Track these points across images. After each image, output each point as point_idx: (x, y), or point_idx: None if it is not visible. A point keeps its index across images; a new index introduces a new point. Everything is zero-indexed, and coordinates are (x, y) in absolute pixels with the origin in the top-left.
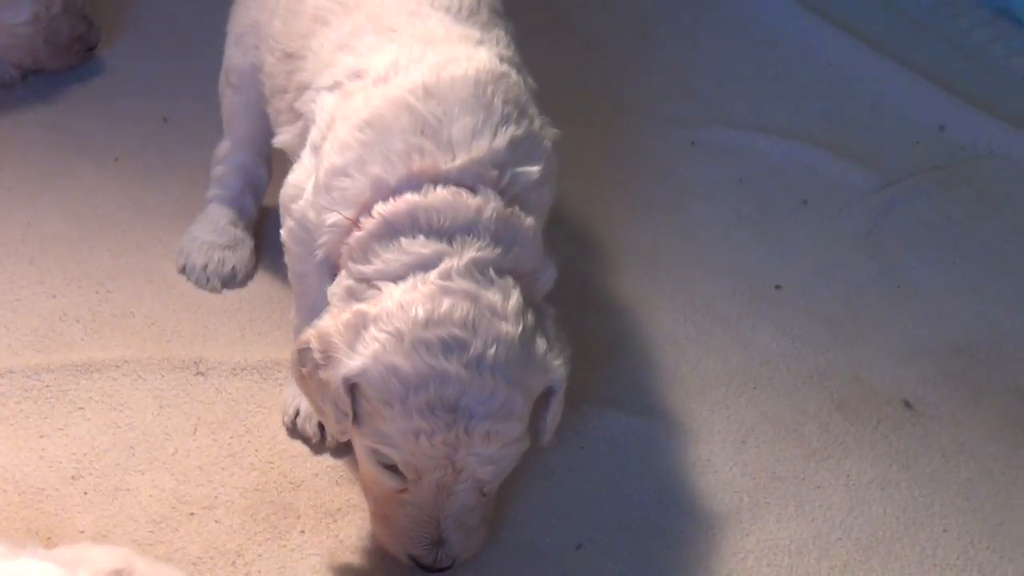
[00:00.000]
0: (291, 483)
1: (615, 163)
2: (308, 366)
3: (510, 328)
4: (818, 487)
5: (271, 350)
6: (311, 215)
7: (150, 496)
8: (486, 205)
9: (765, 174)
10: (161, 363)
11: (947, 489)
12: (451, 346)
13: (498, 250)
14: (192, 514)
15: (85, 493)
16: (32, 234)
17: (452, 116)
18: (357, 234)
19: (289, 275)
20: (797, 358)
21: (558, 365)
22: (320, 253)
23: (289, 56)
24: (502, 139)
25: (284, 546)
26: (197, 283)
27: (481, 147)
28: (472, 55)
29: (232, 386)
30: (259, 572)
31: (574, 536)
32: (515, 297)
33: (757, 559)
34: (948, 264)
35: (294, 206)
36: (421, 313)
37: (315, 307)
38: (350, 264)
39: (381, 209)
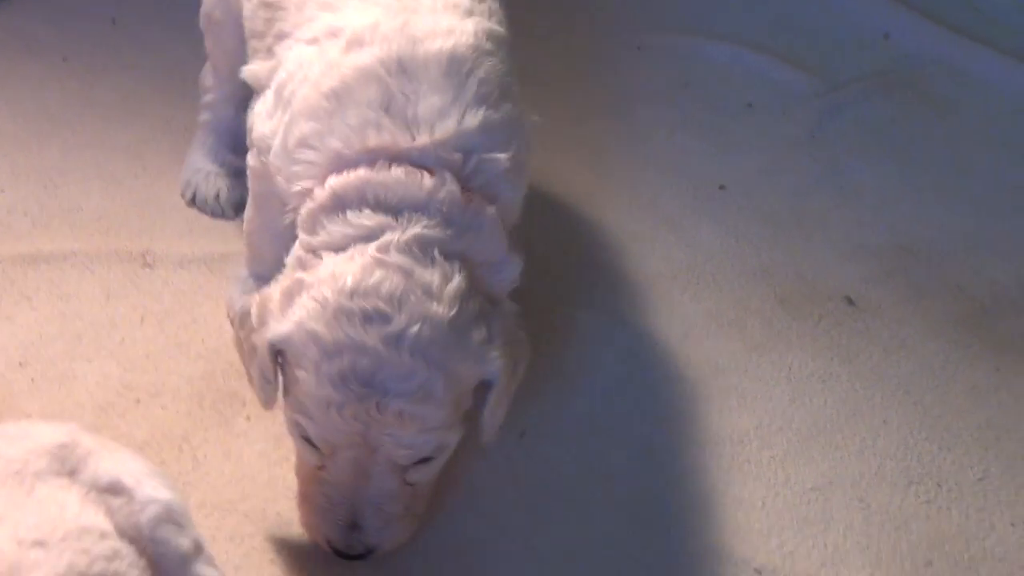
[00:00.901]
0: (238, 371)
1: (561, 69)
2: (245, 329)
3: (441, 309)
4: (760, 380)
5: (218, 244)
6: (280, 182)
7: (97, 383)
8: (440, 186)
9: (710, 78)
10: (109, 255)
11: (887, 383)
12: (372, 318)
13: (448, 232)
14: (138, 401)
15: (32, 380)
16: None
17: (420, 93)
18: (309, 206)
19: (249, 205)
20: (740, 256)
21: (495, 357)
22: (289, 217)
23: (267, 5)
24: (472, 121)
25: (230, 432)
26: (212, 214)
27: (446, 128)
28: (456, 28)
29: (179, 278)
30: (205, 456)
31: (517, 424)
32: (456, 281)
33: (697, 448)
34: (891, 167)
35: (262, 159)
36: (349, 283)
37: (274, 220)
38: (301, 235)
39: (332, 183)
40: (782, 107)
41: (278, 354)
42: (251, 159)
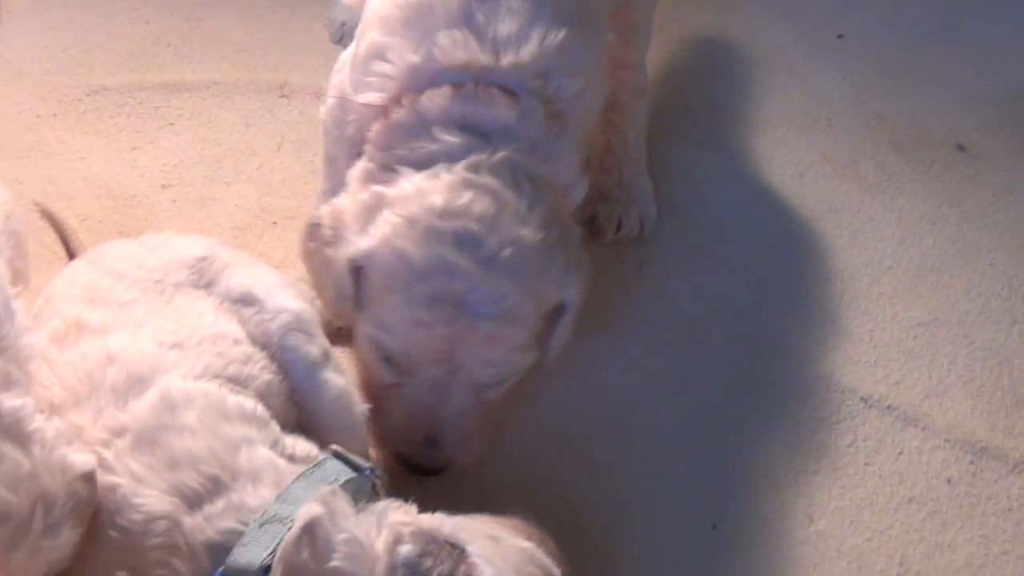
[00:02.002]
0: None
1: None
2: (316, 241)
3: (530, 233)
4: (871, 220)
5: None
6: (348, 91)
7: (235, 205)
8: (527, 110)
9: None
10: (248, 86)
11: (995, 226)
12: (465, 239)
13: (533, 156)
14: (275, 223)
15: (174, 200)
16: None
17: (500, 13)
18: (384, 121)
19: (323, 157)
20: (856, 102)
21: (573, 282)
22: (350, 130)
23: None
24: (549, 45)
25: None
26: (335, 40)
27: (527, 51)
28: None
29: (315, 109)
30: None
31: (636, 255)
32: (542, 206)
33: (810, 282)
34: (1006, 21)
35: (335, 79)
36: (439, 201)
37: (341, 189)
38: (373, 149)
39: (415, 99)
40: None
41: (357, 270)
42: (323, 111)
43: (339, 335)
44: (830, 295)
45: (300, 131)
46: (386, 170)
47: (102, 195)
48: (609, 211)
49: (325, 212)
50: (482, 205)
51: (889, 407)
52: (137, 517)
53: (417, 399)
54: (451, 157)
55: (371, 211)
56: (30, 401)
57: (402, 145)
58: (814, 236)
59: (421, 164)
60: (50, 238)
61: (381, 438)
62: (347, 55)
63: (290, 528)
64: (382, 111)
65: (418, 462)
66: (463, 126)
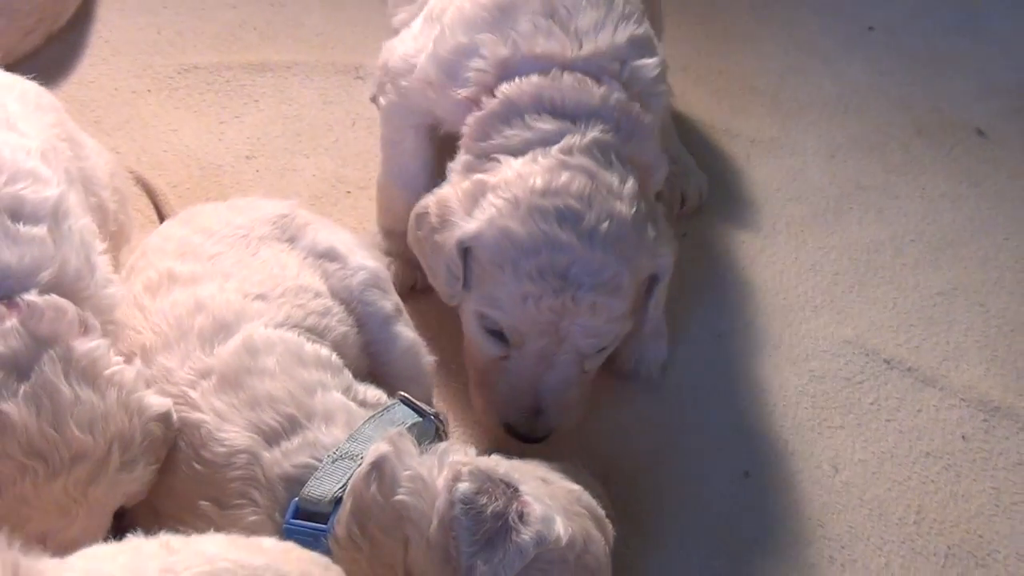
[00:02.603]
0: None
1: None
2: (424, 229)
3: (624, 208)
4: (896, 197)
5: None
6: (430, 95)
7: (313, 176)
8: (610, 94)
9: None
10: (326, 66)
11: (1010, 205)
12: (566, 216)
13: (619, 136)
14: (348, 192)
15: (257, 171)
16: None
17: (579, 7)
18: (477, 113)
19: (381, 139)
20: (884, 89)
21: (666, 252)
22: (417, 119)
23: None
24: (623, 35)
25: None
26: None
27: (605, 39)
28: None
29: None
30: None
31: (680, 227)
32: (631, 182)
33: (839, 253)
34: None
35: (403, 82)
36: (539, 182)
37: (404, 170)
38: (470, 141)
39: (505, 89)
40: None
41: (465, 251)
42: (384, 98)
43: (411, 292)
44: (856, 264)
45: (373, 109)
46: (484, 159)
47: (191, 165)
48: (671, 187)
49: (431, 201)
50: (579, 183)
51: (910, 369)
52: (220, 451)
53: (524, 371)
54: (545, 142)
55: (475, 197)
56: (104, 344)
57: (497, 134)
58: (843, 211)
59: (517, 151)
60: (143, 203)
61: (487, 410)
62: (407, 51)
63: (360, 464)
64: (474, 103)
65: (524, 431)
66: (552, 111)
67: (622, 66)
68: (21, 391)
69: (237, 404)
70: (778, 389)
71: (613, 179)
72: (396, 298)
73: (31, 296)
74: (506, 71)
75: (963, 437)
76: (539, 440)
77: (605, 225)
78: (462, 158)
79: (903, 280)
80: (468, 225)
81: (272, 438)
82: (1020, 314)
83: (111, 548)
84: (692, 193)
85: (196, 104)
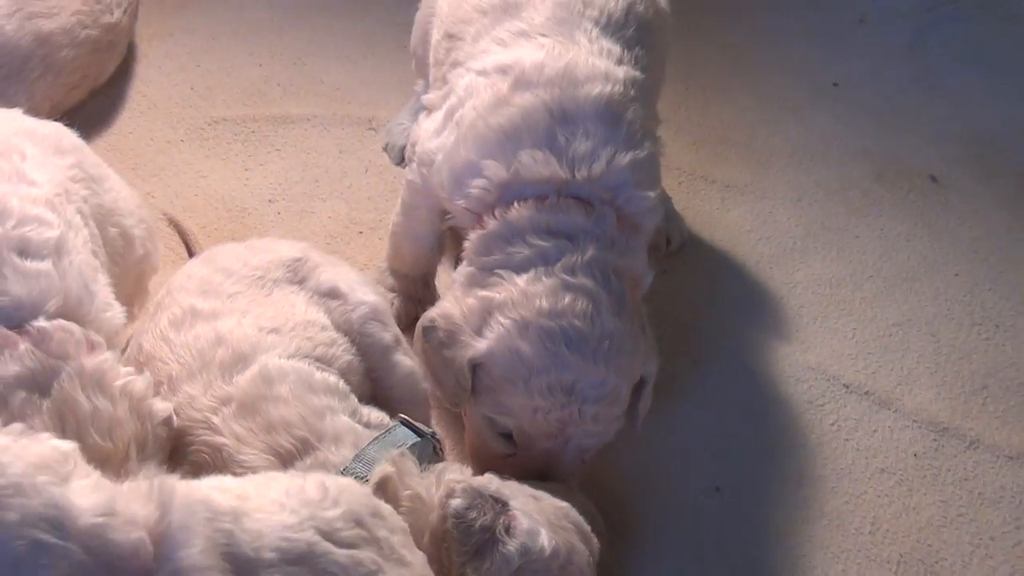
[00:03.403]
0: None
1: None
2: (432, 343)
3: (622, 326)
4: (856, 237)
5: None
6: (441, 194)
7: (329, 218)
8: (601, 217)
9: None
10: (342, 119)
11: (960, 244)
12: (572, 337)
13: (613, 251)
14: (361, 232)
15: (278, 213)
16: (244, 18)
17: (578, 135)
18: (480, 232)
19: (401, 201)
20: (846, 139)
21: (654, 360)
22: (439, 204)
23: (450, 36)
24: (622, 161)
25: None
26: (396, 162)
27: (598, 168)
28: (611, 74)
29: None
30: None
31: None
32: (629, 298)
33: (804, 288)
34: (975, 73)
35: (424, 171)
36: (545, 304)
37: (415, 232)
38: (472, 256)
39: (504, 213)
40: (888, 21)
41: (475, 367)
42: (410, 174)
43: (414, 324)
44: (820, 298)
45: (384, 157)
46: (487, 274)
47: (219, 207)
48: (657, 231)
49: (436, 315)
50: (581, 305)
51: (867, 392)
52: (240, 472)
53: (530, 466)
54: (545, 260)
55: (482, 315)
56: (111, 356)
57: (499, 251)
58: (808, 250)
59: (520, 267)
60: (175, 242)
61: None
62: (429, 146)
63: (366, 483)
64: (477, 217)
65: None
66: (549, 232)
67: (617, 192)
68: (45, 407)
69: (255, 428)
70: (747, 411)
71: (612, 298)
72: (396, 330)
73: (39, 323)
74: (505, 192)
75: (915, 455)
76: None
77: (606, 344)
78: (465, 269)
79: (862, 312)
80: (479, 344)
81: (287, 459)
82: (968, 343)
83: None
84: (675, 236)
85: (224, 153)
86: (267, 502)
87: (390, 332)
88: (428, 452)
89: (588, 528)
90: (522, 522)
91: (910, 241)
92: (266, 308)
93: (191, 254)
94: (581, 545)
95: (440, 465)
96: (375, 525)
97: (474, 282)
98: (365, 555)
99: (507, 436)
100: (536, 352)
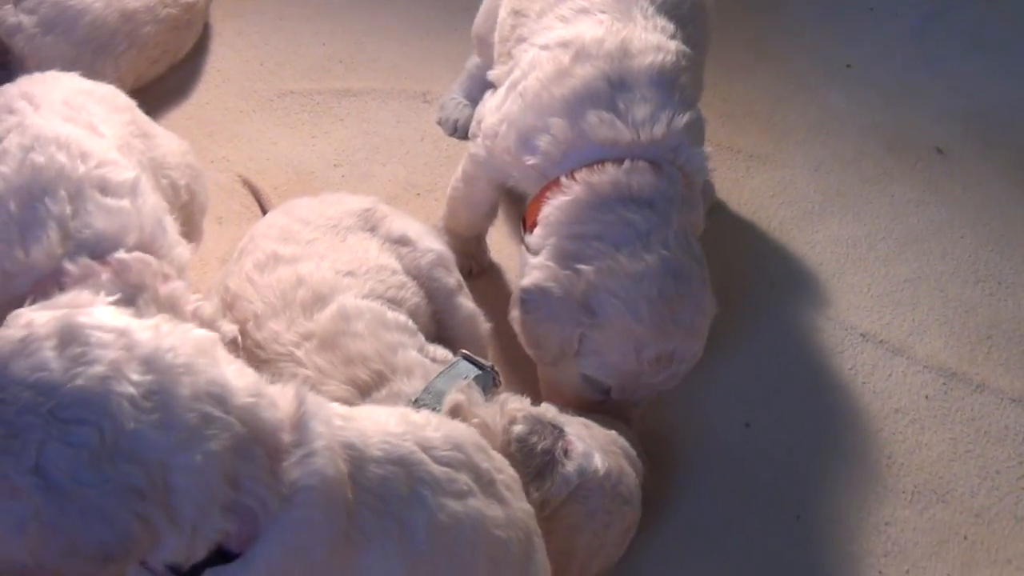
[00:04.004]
0: None
1: None
2: (531, 312)
3: (709, 297)
4: (869, 203)
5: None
6: (507, 158)
7: (389, 180)
8: (673, 180)
9: None
10: (399, 92)
11: (964, 210)
12: (675, 313)
13: (686, 209)
14: (418, 194)
15: (343, 176)
16: (309, 1)
17: (637, 100)
18: (563, 198)
19: (462, 171)
20: (859, 115)
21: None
22: (499, 177)
23: (516, 13)
24: (679, 122)
25: None
26: (450, 133)
27: (660, 129)
28: (663, 46)
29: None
30: None
31: None
32: (705, 266)
33: (822, 248)
34: (978, 55)
35: (489, 143)
36: (652, 284)
37: (473, 200)
38: (559, 224)
39: (587, 177)
40: (896, 9)
41: (582, 336)
42: (475, 148)
43: (468, 277)
44: (837, 257)
45: (438, 128)
46: (582, 244)
47: (288, 171)
48: None
49: (534, 286)
50: (682, 282)
51: (881, 341)
52: None
53: (617, 409)
54: (638, 233)
55: (586, 289)
56: (182, 285)
57: (590, 221)
58: (825, 214)
59: (616, 241)
60: (249, 200)
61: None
62: (493, 120)
63: (436, 412)
64: (542, 177)
65: None
66: (632, 199)
67: (676, 151)
68: None
69: (335, 361)
70: (773, 356)
71: (701, 270)
72: (458, 276)
73: (120, 255)
74: (571, 151)
75: (926, 397)
76: None
77: (699, 317)
78: (556, 242)
79: (876, 270)
80: (588, 320)
81: (364, 390)
82: (973, 298)
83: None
84: (705, 199)
85: (292, 122)
86: (374, 417)
87: (454, 277)
88: (488, 384)
89: (634, 453)
90: (577, 446)
91: (919, 207)
92: (342, 253)
93: (264, 212)
94: (629, 468)
95: (502, 395)
96: (478, 456)
97: (568, 254)
98: (461, 477)
99: (601, 388)
100: (646, 327)
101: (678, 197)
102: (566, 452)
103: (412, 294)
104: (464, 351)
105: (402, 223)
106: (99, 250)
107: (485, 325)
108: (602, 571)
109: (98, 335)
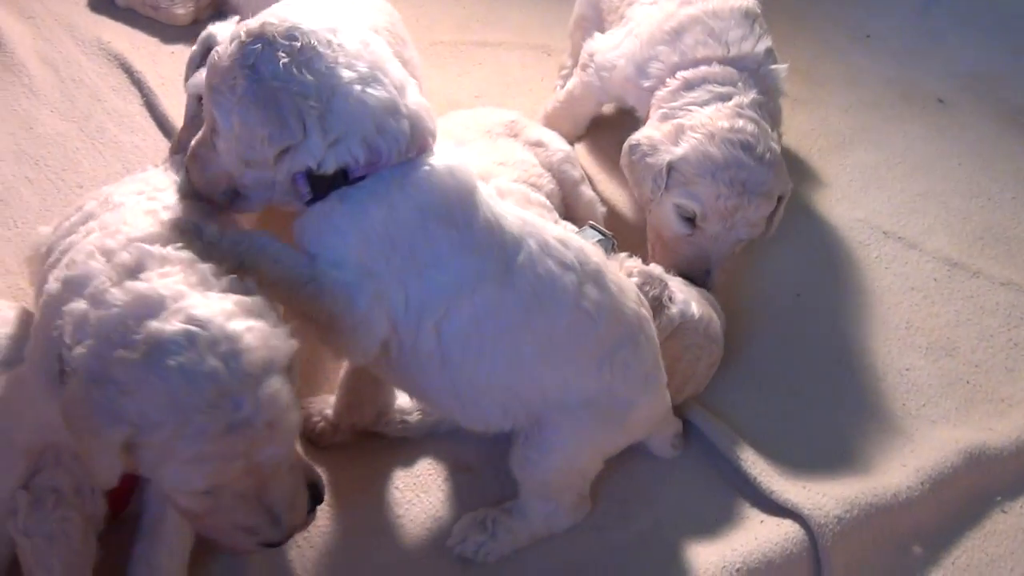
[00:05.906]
0: None
1: None
2: (636, 156)
3: (776, 146)
4: (888, 136)
5: None
6: (627, 86)
7: (516, 109)
8: (755, 80)
9: None
10: (524, 45)
11: (961, 144)
12: (747, 146)
13: (764, 98)
14: (537, 119)
15: (483, 104)
16: None
17: (728, 27)
18: (665, 89)
19: (568, 93)
20: (878, 72)
21: (788, 180)
22: (604, 99)
23: None
24: (761, 46)
25: None
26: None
27: (748, 47)
28: None
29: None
30: None
31: None
32: (777, 131)
33: (852, 168)
34: (975, 27)
35: (604, 73)
36: (726, 124)
37: (576, 116)
38: (661, 104)
39: (684, 74)
40: None
41: (671, 169)
42: (587, 76)
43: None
44: (864, 175)
45: (553, 72)
46: (677, 110)
47: (441, 101)
48: None
49: (640, 136)
50: (751, 127)
51: (900, 238)
52: None
53: (702, 245)
54: (721, 98)
55: (676, 133)
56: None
57: (686, 95)
58: (853, 144)
59: (703, 104)
60: None
61: (667, 267)
62: (611, 55)
63: None
64: (651, 96)
65: (700, 282)
66: (719, 82)
67: (759, 67)
68: None
69: None
70: (818, 246)
71: (766, 125)
72: (581, 170)
73: None
74: (676, 69)
75: (935, 279)
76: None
77: (768, 155)
78: (657, 113)
79: (893, 185)
80: (676, 150)
81: None
82: (969, 208)
83: None
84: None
85: (442, 64)
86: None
87: (578, 171)
88: (608, 248)
89: (719, 306)
90: (679, 295)
91: (925, 141)
92: (494, 149)
93: None
94: (716, 316)
95: (621, 255)
96: (595, 258)
97: (666, 117)
98: (569, 255)
99: (689, 220)
100: (722, 154)
101: (755, 93)
102: (671, 299)
103: (547, 182)
104: (591, 221)
105: (538, 130)
106: None
107: (602, 208)
108: (692, 395)
109: None
